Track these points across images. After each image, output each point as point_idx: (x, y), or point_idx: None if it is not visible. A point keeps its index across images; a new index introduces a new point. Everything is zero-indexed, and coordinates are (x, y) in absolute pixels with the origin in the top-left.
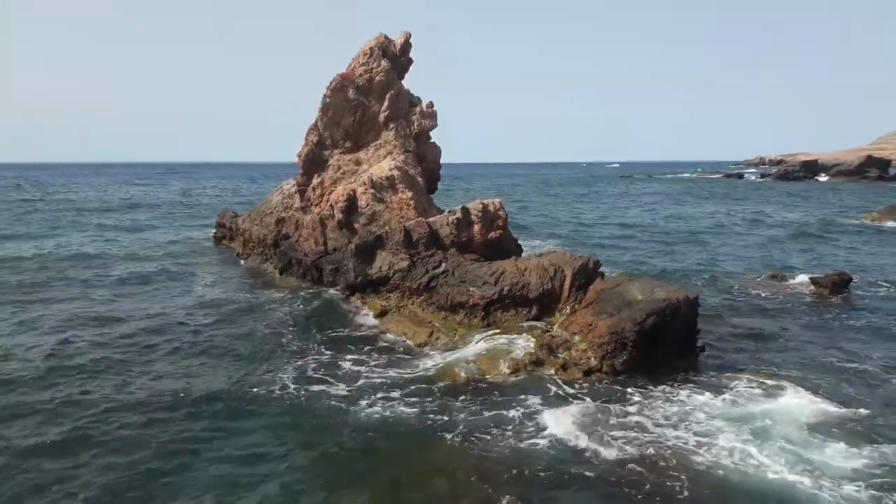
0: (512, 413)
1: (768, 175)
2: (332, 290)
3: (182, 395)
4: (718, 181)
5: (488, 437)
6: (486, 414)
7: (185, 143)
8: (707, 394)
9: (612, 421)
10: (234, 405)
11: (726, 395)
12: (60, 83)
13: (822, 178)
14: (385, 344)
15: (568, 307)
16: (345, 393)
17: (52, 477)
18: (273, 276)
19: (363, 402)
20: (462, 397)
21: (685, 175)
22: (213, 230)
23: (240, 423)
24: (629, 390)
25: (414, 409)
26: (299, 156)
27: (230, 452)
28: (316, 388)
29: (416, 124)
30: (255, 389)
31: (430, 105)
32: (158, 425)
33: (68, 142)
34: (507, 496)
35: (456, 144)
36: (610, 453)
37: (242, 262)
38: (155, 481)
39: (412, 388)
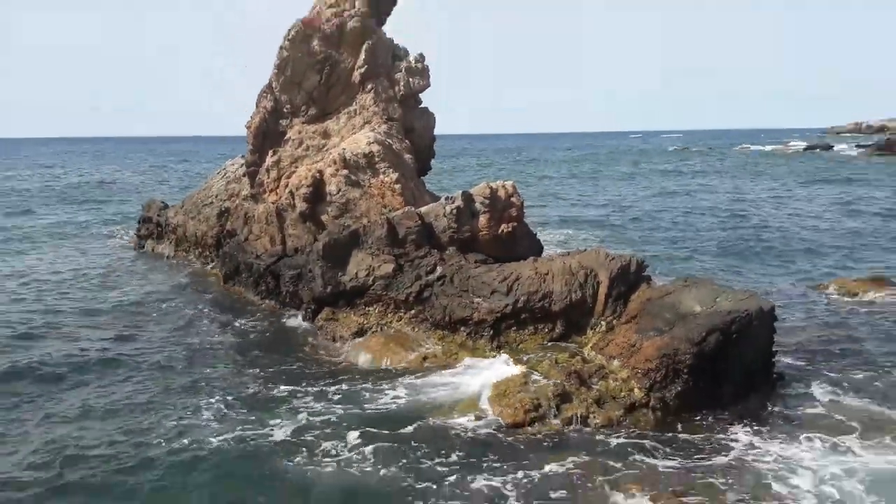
0: (521, 478)
1: (866, 146)
2: (292, 304)
3: (70, 447)
4: (798, 156)
5: None
6: (481, 481)
7: (73, 113)
8: (784, 441)
9: (655, 476)
10: (129, 467)
11: (808, 444)
12: None
13: None
14: (358, 375)
15: (603, 323)
16: (289, 442)
17: None
18: (214, 286)
19: (316, 457)
20: (456, 453)
21: (757, 148)
22: (136, 227)
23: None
24: (682, 436)
25: (388, 472)
26: (248, 127)
27: None
28: (250, 431)
29: (401, 84)
30: (170, 443)
31: (421, 58)
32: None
33: None
34: None
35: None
36: None
37: (174, 267)
38: None
39: (387, 437)
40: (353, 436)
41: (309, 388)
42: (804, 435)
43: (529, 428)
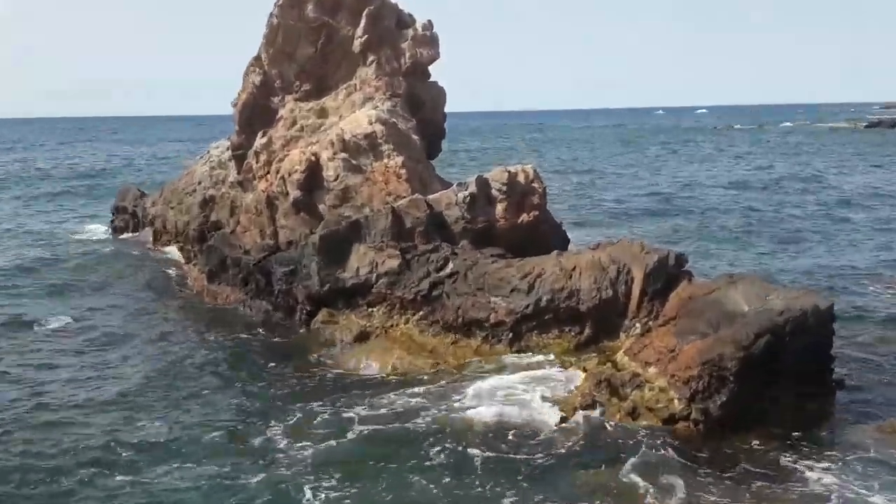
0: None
1: None
2: (284, 305)
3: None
4: (854, 133)
5: None
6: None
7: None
8: (850, 458)
9: (698, 498)
10: None
11: (870, 470)
12: None
13: None
14: (362, 387)
15: (638, 324)
16: (283, 473)
17: None
18: (198, 285)
19: (310, 484)
20: (476, 472)
21: (806, 123)
22: (111, 217)
23: None
24: (730, 451)
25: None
26: (235, 105)
27: None
28: (231, 470)
29: (407, 55)
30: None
31: (429, 26)
32: None
33: None
34: None
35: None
36: None
37: (152, 263)
38: None
39: (400, 454)
40: (362, 465)
41: (306, 406)
42: (865, 458)
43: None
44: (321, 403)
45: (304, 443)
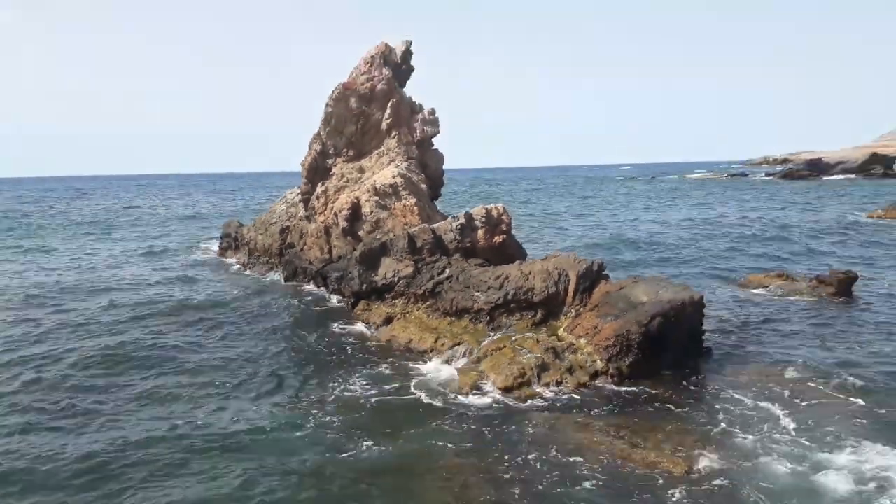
0: (515, 428)
1: (773, 174)
2: (336, 298)
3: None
4: (722, 182)
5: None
6: (486, 430)
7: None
8: (711, 395)
9: (615, 425)
10: (204, 438)
11: (730, 395)
12: None
13: (828, 176)
14: (387, 353)
15: (573, 311)
16: (337, 402)
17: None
18: (278, 285)
19: (356, 414)
20: (464, 410)
21: (692, 176)
22: (218, 241)
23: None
24: (635, 394)
25: (412, 428)
26: (303, 164)
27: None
28: (311, 394)
29: (418, 131)
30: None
31: (432, 112)
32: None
33: None
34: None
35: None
36: (610, 459)
37: (247, 271)
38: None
39: (412, 398)
40: (394, 404)
41: (350, 365)
42: (727, 390)
43: (517, 391)
44: (363, 365)
45: (345, 393)
